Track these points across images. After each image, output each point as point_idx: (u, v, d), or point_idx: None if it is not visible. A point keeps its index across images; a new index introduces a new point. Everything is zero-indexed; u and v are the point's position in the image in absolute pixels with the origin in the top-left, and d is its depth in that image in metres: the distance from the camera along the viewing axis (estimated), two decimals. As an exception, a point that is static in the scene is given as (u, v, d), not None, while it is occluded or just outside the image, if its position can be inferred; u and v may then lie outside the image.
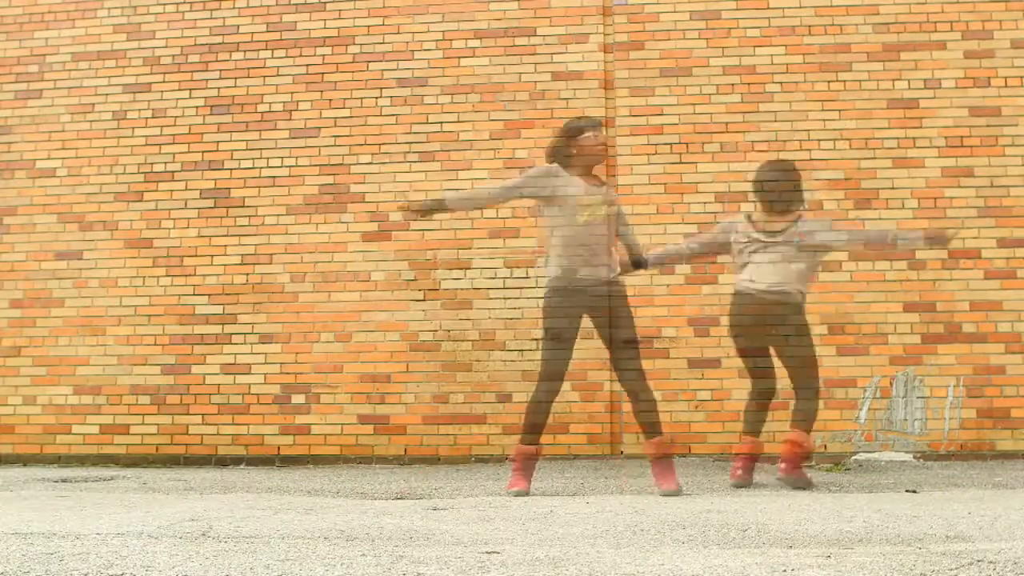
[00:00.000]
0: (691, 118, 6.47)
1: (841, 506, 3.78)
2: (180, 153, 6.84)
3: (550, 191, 4.64)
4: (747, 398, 5.13)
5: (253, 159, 6.77)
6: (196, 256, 6.72)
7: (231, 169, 6.78)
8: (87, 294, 6.78)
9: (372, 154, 6.67)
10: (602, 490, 4.64)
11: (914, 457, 6.03)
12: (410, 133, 6.66)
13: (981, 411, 6.08)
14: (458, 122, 6.64)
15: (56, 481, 5.47)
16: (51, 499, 4.30)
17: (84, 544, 2.85)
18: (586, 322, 4.66)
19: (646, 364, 4.72)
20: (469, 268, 6.49)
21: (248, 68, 6.87)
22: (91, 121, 6.95)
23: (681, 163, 6.43)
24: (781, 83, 6.44)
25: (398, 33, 6.78)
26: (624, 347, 4.58)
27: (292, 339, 6.57)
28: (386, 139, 6.67)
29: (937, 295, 6.19)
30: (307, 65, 6.82)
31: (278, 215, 6.70)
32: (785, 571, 2.38)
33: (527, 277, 6.43)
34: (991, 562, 2.46)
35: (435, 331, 6.46)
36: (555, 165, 4.68)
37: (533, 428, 4.58)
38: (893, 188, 6.29)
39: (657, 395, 4.72)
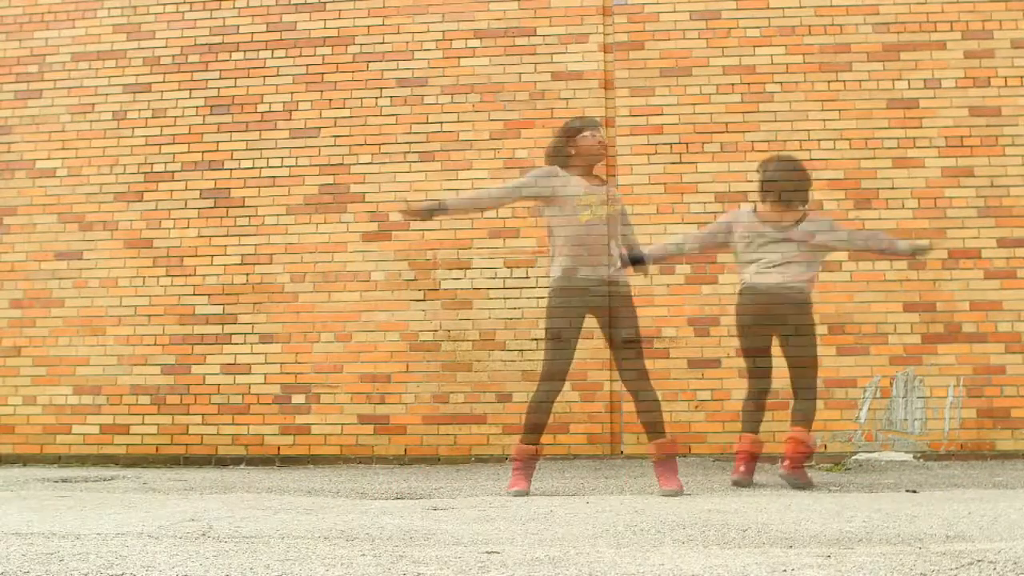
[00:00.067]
0: (691, 118, 6.47)
1: (841, 506, 3.78)
2: (180, 153, 6.84)
3: (550, 191, 4.65)
4: (745, 397, 5.11)
5: (253, 159, 6.77)
6: (196, 256, 6.72)
7: (231, 169, 6.78)
8: (87, 294, 6.78)
9: (372, 154, 6.67)
10: (602, 490, 4.64)
11: (914, 457, 6.03)
12: (410, 133, 6.66)
13: (981, 411, 6.09)
14: (458, 122, 6.64)
15: (56, 481, 5.47)
16: (51, 499, 4.30)
17: (84, 544, 2.85)
18: (590, 322, 4.66)
19: (646, 364, 4.71)
20: (469, 268, 6.49)
21: (248, 68, 6.87)
22: (91, 121, 6.95)
23: (681, 163, 6.43)
24: (781, 83, 6.44)
25: (398, 33, 6.78)
26: (627, 347, 4.58)
27: (292, 339, 6.57)
28: (386, 139, 6.68)
29: (937, 295, 6.19)
30: (307, 65, 6.82)
31: (278, 215, 6.70)
32: (785, 571, 2.38)
33: (527, 277, 6.43)
34: (991, 562, 2.46)
35: (435, 331, 6.46)
36: (555, 166, 4.69)
37: (534, 428, 4.58)
38: (893, 188, 6.29)
39: (657, 395, 4.70)
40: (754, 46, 6.51)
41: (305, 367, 6.54)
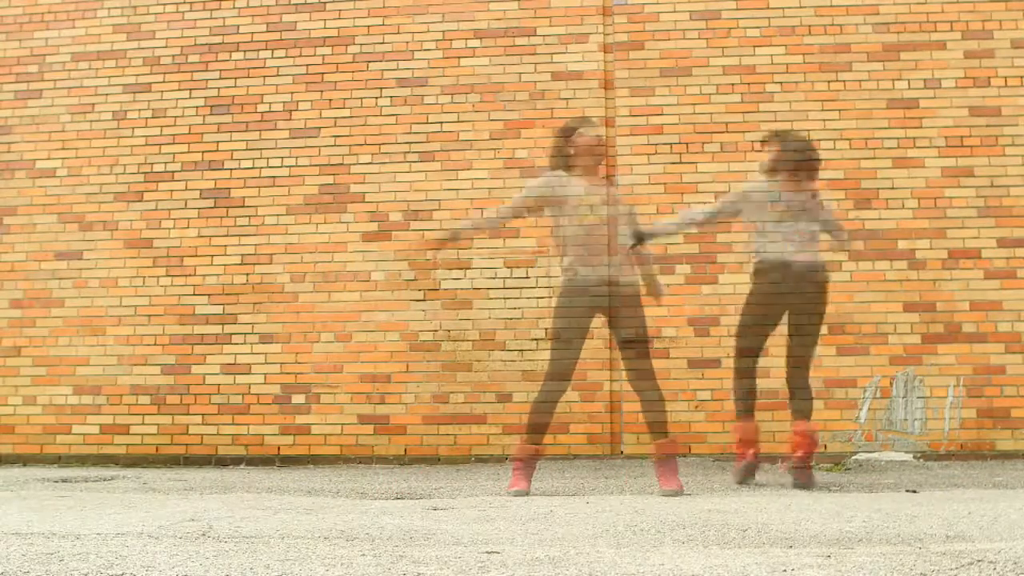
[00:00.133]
0: (691, 118, 6.47)
1: (841, 506, 3.78)
2: (180, 153, 6.84)
3: (550, 192, 4.66)
4: (734, 377, 4.99)
5: (253, 159, 6.77)
6: (196, 256, 6.72)
7: (231, 169, 6.78)
8: (87, 294, 6.78)
9: (372, 154, 6.67)
10: (602, 490, 4.64)
11: (914, 457, 6.03)
12: (410, 133, 6.66)
13: (981, 411, 6.08)
14: (458, 122, 6.64)
15: (56, 481, 5.47)
16: (51, 499, 4.30)
17: (84, 544, 2.85)
18: (597, 322, 4.67)
19: (652, 363, 4.69)
20: (469, 268, 6.49)
21: (248, 68, 6.87)
22: (91, 121, 6.95)
23: (681, 163, 6.43)
24: (781, 83, 6.44)
25: (398, 33, 6.78)
26: (632, 346, 4.58)
27: (292, 339, 6.57)
28: (386, 139, 6.68)
29: (937, 295, 6.19)
30: (307, 65, 6.82)
31: (278, 215, 6.70)
32: (785, 571, 2.38)
33: (527, 277, 6.43)
34: (991, 562, 2.46)
35: (435, 331, 6.46)
36: (557, 170, 4.71)
37: (537, 428, 4.58)
38: (893, 188, 6.29)
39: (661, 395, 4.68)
40: (754, 46, 6.51)
41: (305, 367, 6.54)
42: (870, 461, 5.95)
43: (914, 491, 4.46)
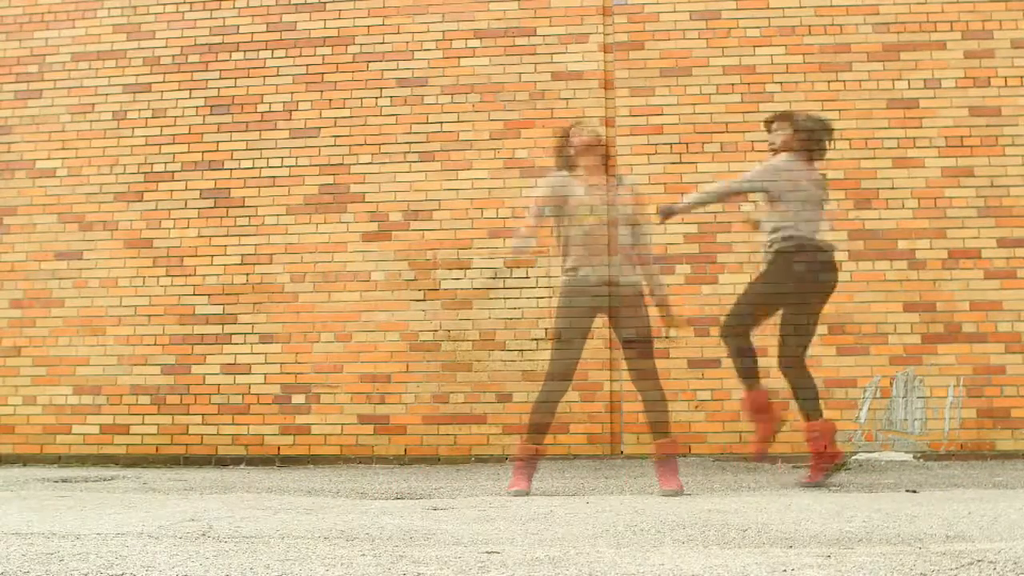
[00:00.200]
0: (691, 118, 6.47)
1: (841, 506, 3.78)
2: (180, 153, 6.84)
3: (554, 196, 4.68)
4: (733, 354, 4.93)
5: (253, 159, 6.77)
6: (196, 256, 6.72)
7: (231, 169, 6.78)
8: (87, 294, 6.78)
9: (372, 154, 6.67)
10: (602, 490, 4.64)
11: (914, 457, 6.03)
12: (410, 133, 6.66)
13: (981, 411, 6.08)
14: (458, 122, 6.64)
15: (56, 481, 5.47)
16: (51, 499, 4.30)
17: (84, 544, 2.85)
18: (599, 322, 4.68)
19: (655, 363, 4.68)
20: (469, 268, 6.49)
21: (248, 68, 6.87)
22: (91, 121, 6.95)
23: (681, 163, 6.43)
24: (781, 83, 6.44)
25: (398, 33, 6.78)
26: (633, 346, 4.58)
27: (292, 339, 6.57)
28: (386, 139, 6.68)
29: (937, 295, 6.19)
30: (307, 65, 6.82)
31: (278, 215, 6.70)
32: (785, 571, 2.38)
33: (527, 277, 6.43)
34: (991, 562, 2.46)
35: (435, 331, 6.46)
36: (561, 171, 4.73)
37: (538, 428, 4.58)
38: (893, 188, 6.29)
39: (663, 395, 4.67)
40: (754, 46, 6.51)
41: (305, 367, 6.54)
42: (870, 461, 5.95)
43: (914, 491, 4.46)
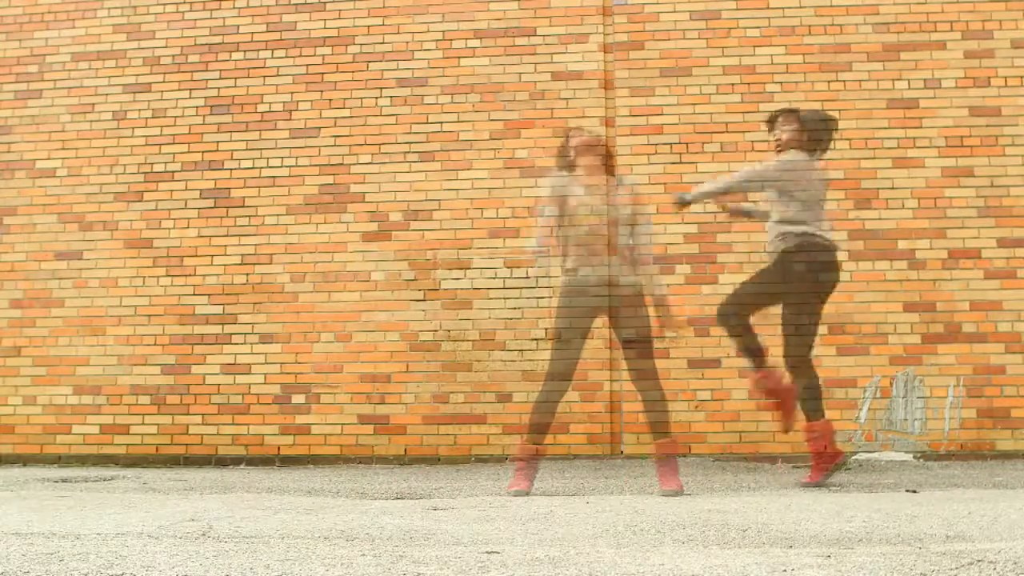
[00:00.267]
0: (691, 118, 6.47)
1: (841, 506, 3.78)
2: (180, 153, 6.84)
3: (554, 196, 4.69)
4: (739, 345, 4.88)
5: (253, 159, 6.77)
6: (196, 256, 6.72)
7: (231, 169, 6.78)
8: (87, 294, 6.78)
9: (372, 154, 6.67)
10: (602, 490, 4.64)
11: (914, 457, 6.03)
12: (410, 133, 6.66)
13: (981, 411, 6.08)
14: (458, 122, 6.64)
15: (56, 481, 5.47)
16: (51, 499, 4.30)
17: (84, 544, 2.85)
18: (599, 323, 4.68)
19: (655, 363, 4.68)
20: (469, 268, 6.49)
21: (248, 68, 6.87)
22: (91, 121, 6.95)
23: (681, 163, 6.43)
24: (781, 83, 6.44)
25: (398, 33, 6.78)
26: (632, 346, 4.58)
27: (292, 339, 6.57)
28: (386, 139, 6.68)
29: (937, 295, 6.19)
30: (307, 65, 6.82)
31: (278, 215, 6.70)
32: (785, 571, 2.38)
33: (527, 277, 6.43)
34: (991, 562, 2.46)
35: (435, 331, 6.46)
36: (560, 173, 4.74)
37: (538, 428, 4.59)
38: (893, 188, 6.29)
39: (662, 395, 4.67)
40: (754, 46, 6.51)
41: (305, 367, 6.54)
42: (870, 461, 5.95)
43: (914, 491, 4.46)
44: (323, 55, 6.82)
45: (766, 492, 4.50)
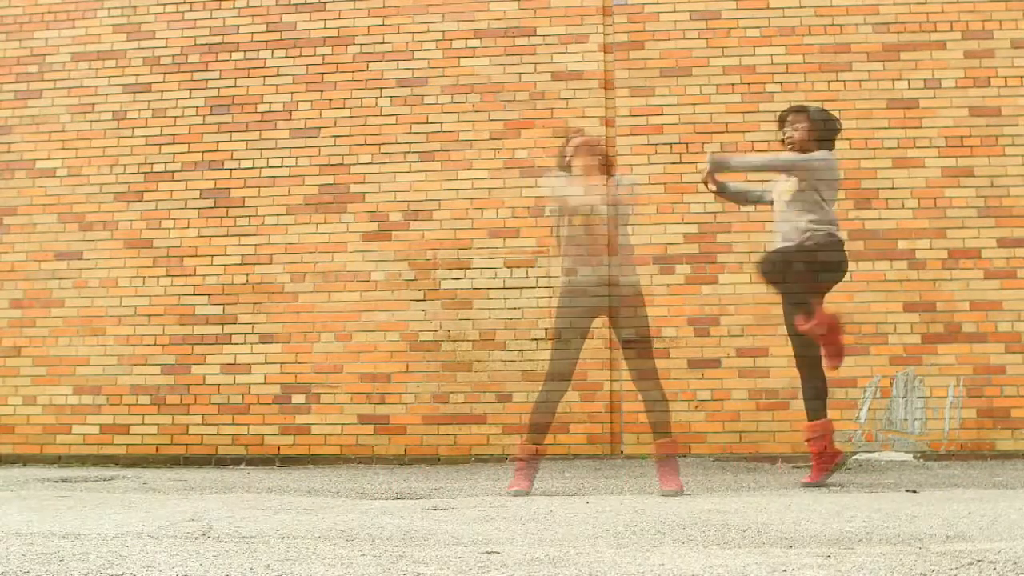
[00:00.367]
0: (691, 118, 6.47)
1: (841, 506, 3.78)
2: (180, 153, 6.84)
3: (554, 195, 4.70)
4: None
5: (253, 159, 6.77)
6: (196, 256, 6.72)
7: (231, 169, 6.78)
8: (87, 294, 6.78)
9: (372, 154, 6.67)
10: (602, 490, 4.64)
11: (914, 457, 6.03)
12: (410, 133, 6.66)
13: (981, 411, 6.08)
14: (458, 122, 6.64)
15: (56, 481, 5.47)
16: (51, 499, 4.30)
17: (84, 544, 2.85)
18: (598, 322, 4.68)
19: (655, 363, 4.68)
20: (469, 268, 6.49)
21: (248, 68, 6.87)
22: (91, 121, 6.95)
23: (681, 163, 6.43)
24: (781, 83, 6.44)
25: (398, 33, 6.78)
26: (632, 346, 4.58)
27: (292, 339, 6.57)
28: (386, 139, 6.68)
29: (937, 295, 6.19)
30: (307, 65, 6.82)
31: (278, 215, 6.70)
32: (785, 571, 2.38)
33: (527, 277, 6.43)
34: (991, 562, 2.46)
35: (435, 331, 6.46)
36: (560, 172, 4.75)
37: (538, 428, 4.59)
38: (893, 188, 6.29)
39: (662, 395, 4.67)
40: (754, 46, 6.51)
41: (305, 367, 6.54)
42: (870, 461, 5.95)
43: (914, 491, 4.46)
44: (323, 55, 6.82)
45: (766, 492, 4.50)
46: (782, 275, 4.86)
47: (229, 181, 6.77)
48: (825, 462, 4.76)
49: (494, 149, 6.59)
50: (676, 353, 6.22)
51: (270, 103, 6.81)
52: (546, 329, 6.21)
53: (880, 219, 6.25)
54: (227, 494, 4.56)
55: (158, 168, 6.84)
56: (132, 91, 6.94)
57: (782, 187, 4.98)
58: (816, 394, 4.81)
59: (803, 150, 4.94)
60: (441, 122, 6.66)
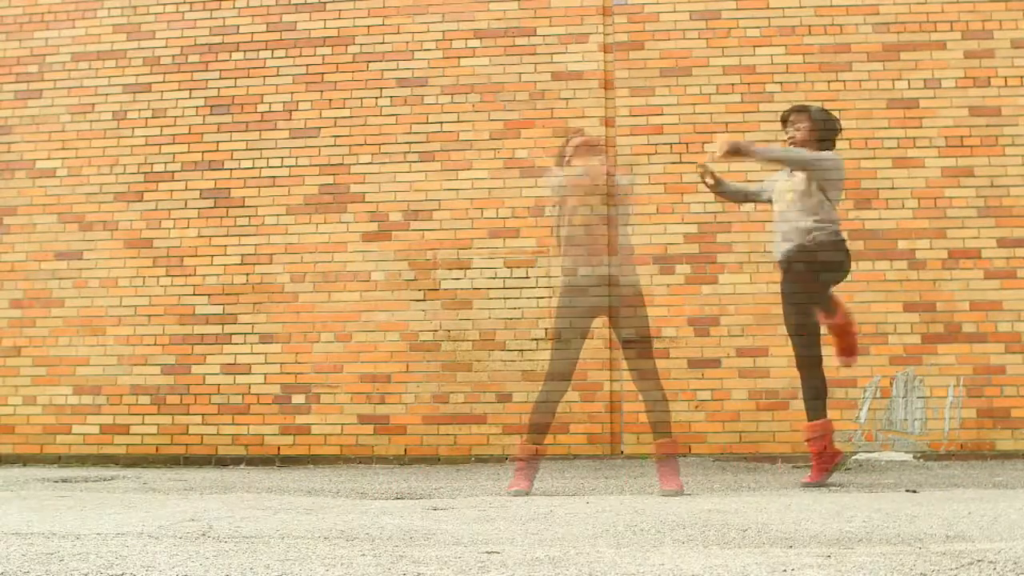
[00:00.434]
0: (691, 118, 6.47)
1: (841, 506, 3.78)
2: (180, 153, 6.84)
3: (556, 196, 4.70)
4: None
5: (253, 159, 6.77)
6: (196, 256, 6.72)
7: (231, 169, 6.78)
8: (87, 294, 6.78)
9: (372, 154, 6.67)
10: (602, 490, 4.64)
11: (914, 457, 6.03)
12: (410, 133, 6.66)
13: (981, 411, 6.08)
14: (458, 122, 6.64)
15: (56, 481, 5.47)
16: (51, 499, 4.30)
17: (84, 544, 2.85)
18: (598, 322, 4.68)
19: (655, 363, 4.68)
20: (469, 268, 6.49)
21: (248, 68, 6.87)
22: (91, 121, 6.95)
23: (681, 163, 6.43)
24: (781, 83, 6.44)
25: (398, 33, 6.78)
26: (632, 346, 4.58)
27: (292, 339, 6.57)
28: (386, 139, 6.68)
29: (937, 295, 6.19)
30: (307, 65, 6.82)
31: (278, 215, 6.70)
32: (785, 571, 2.38)
33: (527, 277, 6.43)
34: (991, 562, 2.46)
35: (435, 331, 6.46)
36: (560, 172, 4.75)
37: (538, 428, 4.58)
38: (893, 188, 6.29)
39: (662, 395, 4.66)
40: (754, 46, 6.51)
41: (305, 367, 6.54)
42: (870, 461, 5.95)
43: (914, 491, 4.46)
44: (323, 55, 6.82)
45: (766, 492, 4.50)
46: (815, 273, 4.85)
47: (229, 181, 6.77)
48: (825, 462, 4.76)
49: (494, 149, 6.59)
50: (676, 353, 6.22)
51: (270, 103, 6.81)
52: (546, 329, 6.21)
53: (880, 219, 6.25)
54: (227, 494, 4.56)
55: (158, 168, 6.84)
56: (132, 91, 6.94)
57: (782, 186, 4.98)
58: (816, 394, 4.81)
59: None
60: (441, 122, 6.66)
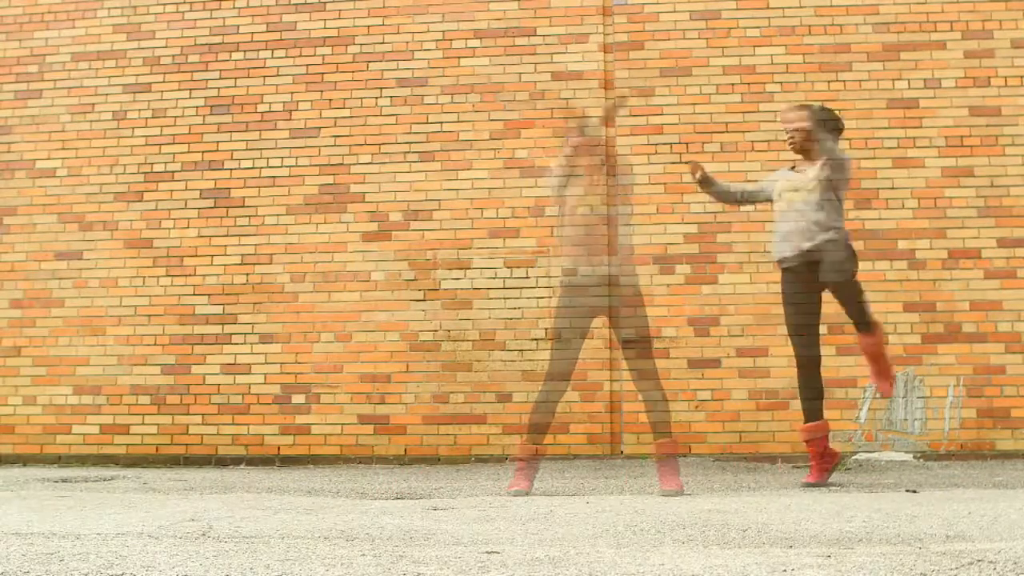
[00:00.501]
0: (691, 118, 6.47)
1: (841, 506, 3.78)
2: (180, 153, 6.84)
3: (556, 196, 4.71)
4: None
5: (253, 159, 6.77)
6: (196, 256, 6.72)
7: (231, 169, 6.78)
8: (87, 294, 6.78)
9: (372, 154, 6.67)
10: (602, 490, 4.64)
11: (914, 457, 6.03)
12: (410, 133, 6.66)
13: (981, 411, 6.08)
14: (458, 122, 6.64)
15: (56, 481, 5.47)
16: (51, 499, 4.30)
17: (84, 544, 2.85)
18: (597, 322, 4.68)
19: (655, 363, 4.68)
20: (469, 268, 6.49)
21: (248, 68, 6.87)
22: (91, 121, 6.95)
23: (681, 163, 6.42)
24: (781, 83, 6.44)
25: (398, 33, 6.78)
26: (631, 346, 4.58)
27: (292, 339, 6.57)
28: (386, 139, 6.68)
29: (937, 295, 6.19)
30: (307, 65, 6.82)
31: (278, 215, 6.70)
32: (785, 571, 2.38)
33: (527, 277, 6.43)
34: (991, 562, 2.46)
35: (435, 331, 6.46)
36: (560, 172, 4.75)
37: (538, 428, 4.58)
38: (893, 188, 6.29)
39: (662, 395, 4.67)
40: (754, 46, 6.51)
41: (305, 367, 6.54)
42: (870, 461, 5.95)
43: (914, 491, 4.46)
44: (323, 55, 6.82)
45: (766, 492, 4.50)
46: (848, 272, 4.83)
47: (229, 181, 6.77)
48: (825, 462, 4.76)
49: (494, 149, 6.59)
50: (676, 353, 6.22)
51: (270, 103, 6.81)
52: (546, 329, 6.21)
53: (880, 219, 6.25)
54: (227, 494, 4.56)
55: (158, 168, 6.84)
56: (132, 91, 6.94)
57: (783, 185, 4.98)
58: (816, 395, 4.82)
59: (805, 150, 4.94)
60: (441, 122, 6.66)
